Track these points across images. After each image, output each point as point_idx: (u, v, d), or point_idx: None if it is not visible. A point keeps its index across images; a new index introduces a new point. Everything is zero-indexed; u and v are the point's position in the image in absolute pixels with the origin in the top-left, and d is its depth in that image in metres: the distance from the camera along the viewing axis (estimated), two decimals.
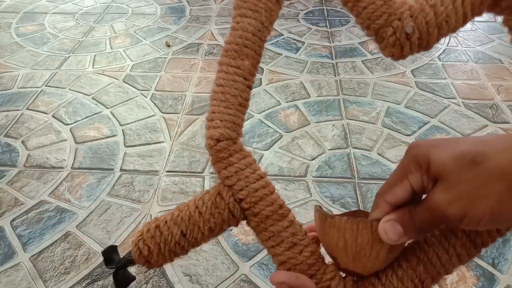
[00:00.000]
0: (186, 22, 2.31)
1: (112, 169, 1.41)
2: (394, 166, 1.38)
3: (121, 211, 1.27)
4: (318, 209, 0.34)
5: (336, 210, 1.26)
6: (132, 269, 1.11)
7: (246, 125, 1.59)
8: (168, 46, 2.09)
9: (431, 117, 1.62)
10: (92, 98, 1.74)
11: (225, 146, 0.34)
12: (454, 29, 0.34)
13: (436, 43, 0.34)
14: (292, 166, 1.42)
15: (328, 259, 0.35)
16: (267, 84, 1.81)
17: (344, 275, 0.35)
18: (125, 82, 1.83)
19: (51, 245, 1.18)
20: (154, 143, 1.52)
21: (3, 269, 1.12)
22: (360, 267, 0.32)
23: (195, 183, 1.35)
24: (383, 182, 0.33)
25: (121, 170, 1.41)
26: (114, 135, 1.55)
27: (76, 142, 1.52)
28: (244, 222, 0.35)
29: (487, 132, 1.54)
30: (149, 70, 1.91)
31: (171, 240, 0.34)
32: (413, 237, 0.30)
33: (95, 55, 2.02)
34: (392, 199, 0.31)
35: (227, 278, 1.10)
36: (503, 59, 1.96)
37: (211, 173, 1.38)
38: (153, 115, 1.64)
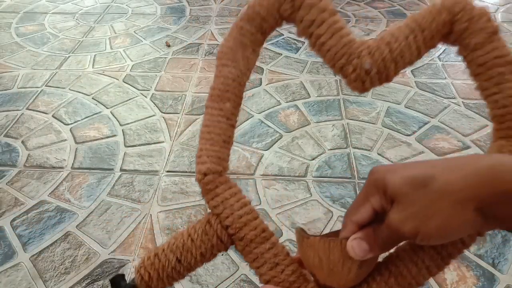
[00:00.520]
0: (186, 22, 2.31)
1: (112, 169, 1.41)
2: None
3: (121, 211, 1.27)
4: (299, 231, 0.38)
5: (336, 210, 1.26)
6: (133, 269, 1.11)
7: (246, 125, 1.59)
8: (168, 46, 2.09)
9: (431, 117, 1.62)
10: (92, 98, 1.74)
11: (212, 179, 0.38)
12: (410, 62, 0.37)
13: (395, 76, 0.38)
14: (292, 166, 1.42)
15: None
16: (267, 84, 1.81)
17: None
18: (125, 82, 1.83)
19: (51, 245, 1.18)
20: (154, 143, 1.52)
21: (3, 269, 1.12)
22: (336, 282, 0.36)
23: (195, 183, 1.35)
24: None
25: (121, 170, 1.41)
26: (114, 135, 1.55)
27: (76, 142, 1.52)
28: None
29: (487, 132, 1.54)
30: (149, 70, 1.91)
31: (168, 266, 0.38)
32: (378, 252, 0.34)
33: (95, 55, 2.02)
34: (357, 219, 0.34)
35: (227, 278, 1.10)
36: None
37: None
38: (153, 115, 1.64)
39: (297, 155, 1.46)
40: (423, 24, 0.36)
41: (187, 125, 1.59)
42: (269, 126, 1.58)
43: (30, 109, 1.68)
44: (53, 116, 1.64)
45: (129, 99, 1.73)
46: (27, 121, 1.62)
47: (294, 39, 2.13)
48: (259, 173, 1.39)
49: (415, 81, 1.82)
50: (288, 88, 1.79)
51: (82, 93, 1.77)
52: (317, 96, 1.74)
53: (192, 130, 1.57)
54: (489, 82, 0.37)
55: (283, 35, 2.17)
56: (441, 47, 2.06)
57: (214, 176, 0.38)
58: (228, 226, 0.38)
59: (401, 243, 0.36)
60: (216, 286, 1.08)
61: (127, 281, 0.40)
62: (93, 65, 1.95)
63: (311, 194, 1.31)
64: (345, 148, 1.48)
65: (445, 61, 1.96)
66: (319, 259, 0.35)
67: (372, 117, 1.63)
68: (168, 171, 1.40)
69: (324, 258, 0.35)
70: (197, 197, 1.30)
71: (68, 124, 1.60)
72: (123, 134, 1.55)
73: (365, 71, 0.37)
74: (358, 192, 1.30)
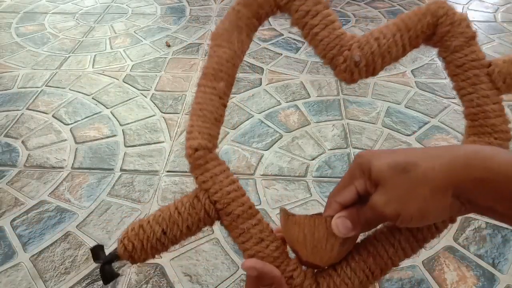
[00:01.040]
0: (186, 22, 2.31)
1: (112, 169, 1.41)
2: None
3: (121, 211, 1.27)
4: (283, 210, 0.39)
5: None
6: (133, 269, 1.11)
7: (246, 125, 1.59)
8: (168, 46, 2.09)
9: (431, 117, 1.62)
10: (92, 98, 1.74)
11: (202, 155, 0.39)
12: (395, 58, 0.40)
13: (381, 70, 0.40)
14: (292, 166, 1.42)
15: (292, 255, 0.40)
16: (267, 84, 1.81)
17: (305, 268, 0.40)
18: (125, 82, 1.83)
19: (51, 245, 1.18)
20: (154, 143, 1.52)
21: (3, 269, 1.12)
22: (318, 259, 0.37)
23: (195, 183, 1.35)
24: None
25: (121, 170, 1.41)
26: (114, 135, 1.55)
27: (76, 142, 1.52)
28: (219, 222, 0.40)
29: None
30: (149, 70, 1.91)
31: (153, 237, 0.38)
32: (360, 231, 0.36)
33: (95, 55, 2.02)
34: (341, 200, 0.36)
35: (227, 278, 1.10)
36: None
37: None
38: (153, 115, 1.64)
39: (297, 155, 1.46)
40: (409, 24, 0.39)
41: (187, 125, 1.59)
42: (269, 126, 1.58)
43: (30, 109, 1.68)
44: (53, 116, 1.64)
45: (129, 99, 1.73)
46: (27, 121, 1.62)
47: (294, 39, 2.13)
48: (259, 173, 1.39)
49: (415, 81, 1.82)
50: (288, 88, 1.79)
51: (82, 93, 1.77)
52: (317, 96, 1.74)
53: None
54: (466, 83, 0.40)
55: (283, 35, 2.17)
56: None
57: (204, 152, 0.39)
58: (216, 201, 0.38)
59: (380, 225, 0.38)
60: (216, 286, 1.08)
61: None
62: (93, 65, 1.95)
63: (311, 194, 1.31)
64: (345, 148, 1.48)
65: None
66: (304, 235, 0.37)
67: (372, 117, 1.63)
68: (168, 171, 1.40)
69: (309, 235, 0.36)
70: None
71: (68, 124, 1.60)
72: (123, 134, 1.55)
73: (355, 63, 0.39)
74: None
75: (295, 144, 1.51)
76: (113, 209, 1.28)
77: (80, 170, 1.41)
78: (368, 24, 2.28)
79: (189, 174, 1.44)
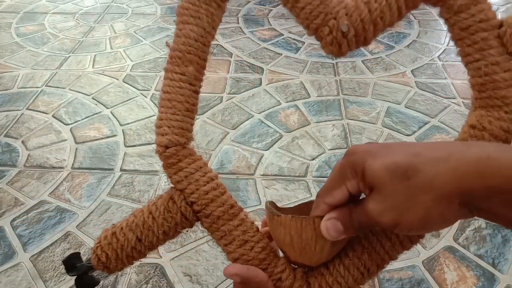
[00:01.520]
0: None
1: (112, 169, 1.41)
2: None
3: (121, 211, 1.27)
4: (268, 207, 0.36)
5: None
6: (133, 269, 1.11)
7: (246, 125, 1.59)
8: (168, 46, 2.09)
9: (431, 117, 1.62)
10: (92, 98, 1.74)
11: (174, 152, 0.35)
12: (390, 24, 0.34)
13: (374, 38, 0.35)
14: (292, 166, 1.42)
15: (281, 253, 0.37)
16: (267, 84, 1.81)
17: (296, 267, 0.37)
18: (125, 82, 1.83)
19: (51, 245, 1.18)
20: (154, 143, 1.51)
21: (3, 269, 1.12)
22: (307, 260, 0.34)
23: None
24: None
25: (121, 170, 1.41)
26: (114, 135, 1.55)
27: (76, 142, 1.52)
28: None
29: None
30: (149, 70, 1.91)
31: (127, 245, 0.35)
32: (352, 234, 0.32)
33: (95, 55, 2.02)
34: (331, 201, 0.33)
35: (227, 278, 1.10)
36: None
37: None
38: (153, 115, 1.64)
39: (297, 155, 1.46)
40: None
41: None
42: (269, 126, 1.58)
43: (30, 109, 1.68)
44: (53, 116, 1.64)
45: (129, 99, 1.73)
46: (27, 121, 1.62)
47: (294, 39, 2.13)
48: (259, 173, 1.39)
49: (415, 81, 1.82)
50: (288, 88, 1.79)
51: (82, 93, 1.77)
52: (317, 96, 1.74)
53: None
54: (472, 48, 0.34)
55: (283, 35, 2.17)
56: (441, 47, 2.06)
57: (176, 148, 0.35)
58: (194, 203, 0.35)
59: None
60: (216, 286, 1.08)
61: (84, 262, 0.37)
62: (93, 65, 1.95)
63: (311, 194, 1.32)
64: (345, 148, 1.48)
65: (445, 61, 1.96)
66: (290, 237, 0.33)
67: (372, 117, 1.63)
68: None
69: (296, 237, 0.33)
70: None
71: (68, 124, 1.60)
72: (123, 134, 1.55)
73: (342, 34, 0.34)
74: None
75: (295, 144, 1.51)
76: (113, 209, 1.28)
77: (80, 170, 1.41)
78: None
79: None
